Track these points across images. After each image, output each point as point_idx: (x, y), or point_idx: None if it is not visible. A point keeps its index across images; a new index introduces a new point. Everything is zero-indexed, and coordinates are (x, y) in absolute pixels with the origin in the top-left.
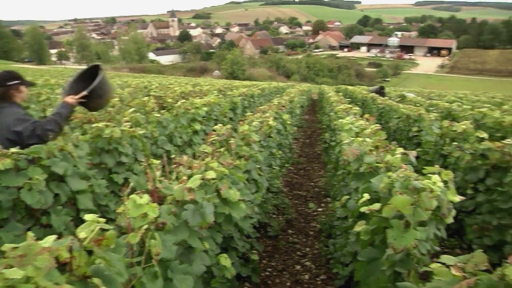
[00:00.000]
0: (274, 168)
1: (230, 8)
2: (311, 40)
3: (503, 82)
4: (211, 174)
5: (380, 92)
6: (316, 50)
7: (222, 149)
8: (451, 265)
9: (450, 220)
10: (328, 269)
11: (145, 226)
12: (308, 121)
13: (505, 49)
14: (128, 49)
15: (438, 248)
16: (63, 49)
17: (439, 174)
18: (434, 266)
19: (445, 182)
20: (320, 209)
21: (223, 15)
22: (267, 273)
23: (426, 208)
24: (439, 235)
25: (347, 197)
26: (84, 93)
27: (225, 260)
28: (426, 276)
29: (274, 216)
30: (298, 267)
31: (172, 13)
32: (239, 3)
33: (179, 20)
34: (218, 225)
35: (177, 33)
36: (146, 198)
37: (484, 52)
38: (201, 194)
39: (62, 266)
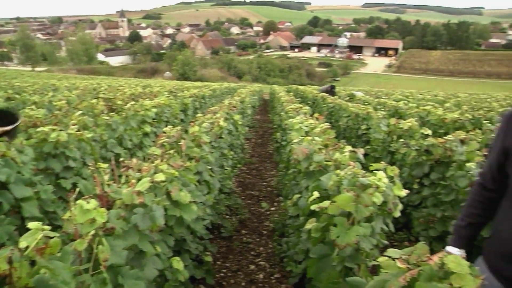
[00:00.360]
0: (226, 169)
1: (181, 8)
2: (262, 41)
3: (445, 81)
4: (160, 177)
5: (331, 91)
6: (267, 51)
7: (172, 151)
8: (397, 258)
9: (397, 214)
10: (282, 268)
11: (92, 232)
12: (260, 121)
13: (446, 50)
14: (75, 50)
15: (386, 242)
16: (4, 49)
17: (385, 170)
18: (381, 259)
19: (391, 177)
20: (273, 209)
21: (174, 16)
22: (222, 274)
23: (365, 204)
24: (386, 229)
25: (298, 195)
26: (9, 128)
27: (178, 263)
28: (375, 270)
29: (227, 216)
30: (252, 266)
31: (122, 13)
32: (189, 3)
33: (129, 21)
34: (169, 228)
35: (126, 33)
36: (93, 203)
37: (427, 53)
38: (151, 197)
39: (3, 279)
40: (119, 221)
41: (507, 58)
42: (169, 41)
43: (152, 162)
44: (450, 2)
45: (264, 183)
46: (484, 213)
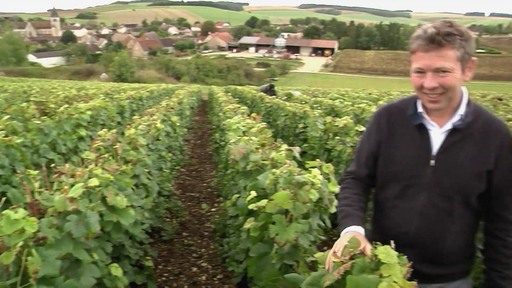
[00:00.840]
0: (165, 171)
1: (117, 8)
2: (200, 41)
3: (378, 79)
4: (94, 182)
5: (270, 90)
6: (205, 51)
7: (107, 155)
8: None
9: (333, 210)
10: (224, 268)
11: (21, 243)
12: (199, 122)
13: (379, 50)
14: (3, 50)
15: (324, 238)
16: None
17: (320, 167)
18: (318, 255)
19: (326, 174)
20: (213, 209)
21: (109, 15)
22: (164, 278)
23: (303, 201)
24: (323, 225)
25: (237, 195)
26: None
27: (116, 270)
28: (314, 265)
29: (168, 219)
30: (194, 269)
31: (54, 12)
32: (126, 3)
33: (62, 20)
34: (107, 234)
35: (59, 33)
36: (22, 212)
37: (362, 53)
38: (85, 203)
39: None
40: (51, 230)
41: None
42: (105, 41)
43: (86, 167)
44: (382, 5)
45: (204, 184)
46: (364, 199)
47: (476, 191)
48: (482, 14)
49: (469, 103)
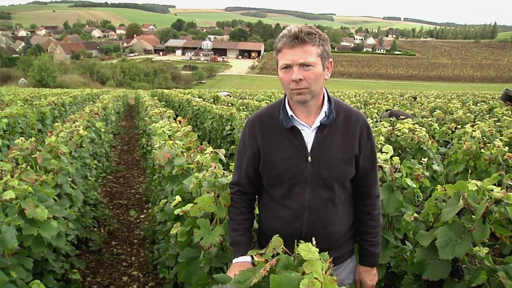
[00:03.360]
0: (90, 179)
1: (34, 8)
2: (125, 44)
3: None
4: (10, 195)
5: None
6: (131, 54)
7: (24, 165)
8: (254, 254)
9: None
10: (156, 275)
11: None
12: (126, 127)
13: None
14: None
15: (254, 239)
16: None
17: None
18: (251, 252)
19: None
20: (142, 216)
21: (26, 16)
22: None
23: (225, 204)
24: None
25: (165, 200)
26: None
27: (38, 287)
28: None
29: (95, 229)
30: (125, 278)
31: None
32: (45, 3)
33: None
34: (27, 249)
35: None
36: None
37: None
38: (0, 218)
39: None
40: None
41: (356, 60)
42: (23, 44)
43: (1, 179)
44: (306, 8)
45: (133, 191)
46: (251, 215)
47: (349, 176)
48: (399, 19)
49: (329, 100)
